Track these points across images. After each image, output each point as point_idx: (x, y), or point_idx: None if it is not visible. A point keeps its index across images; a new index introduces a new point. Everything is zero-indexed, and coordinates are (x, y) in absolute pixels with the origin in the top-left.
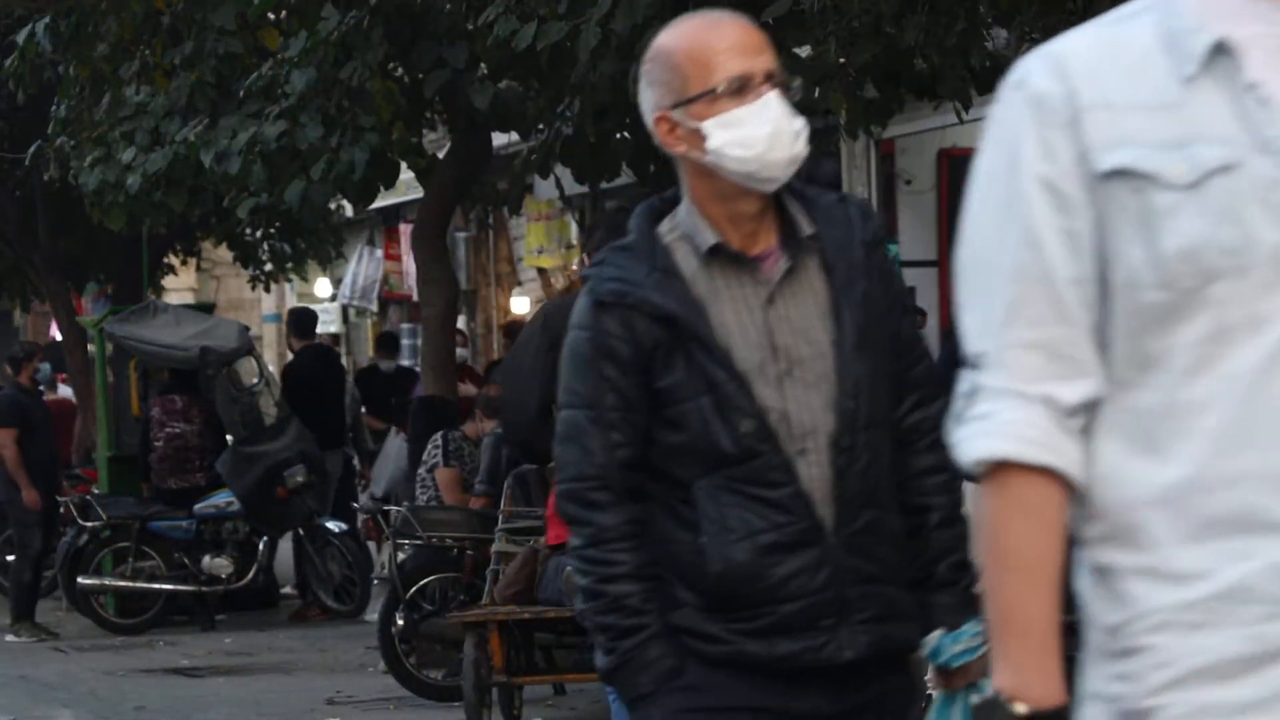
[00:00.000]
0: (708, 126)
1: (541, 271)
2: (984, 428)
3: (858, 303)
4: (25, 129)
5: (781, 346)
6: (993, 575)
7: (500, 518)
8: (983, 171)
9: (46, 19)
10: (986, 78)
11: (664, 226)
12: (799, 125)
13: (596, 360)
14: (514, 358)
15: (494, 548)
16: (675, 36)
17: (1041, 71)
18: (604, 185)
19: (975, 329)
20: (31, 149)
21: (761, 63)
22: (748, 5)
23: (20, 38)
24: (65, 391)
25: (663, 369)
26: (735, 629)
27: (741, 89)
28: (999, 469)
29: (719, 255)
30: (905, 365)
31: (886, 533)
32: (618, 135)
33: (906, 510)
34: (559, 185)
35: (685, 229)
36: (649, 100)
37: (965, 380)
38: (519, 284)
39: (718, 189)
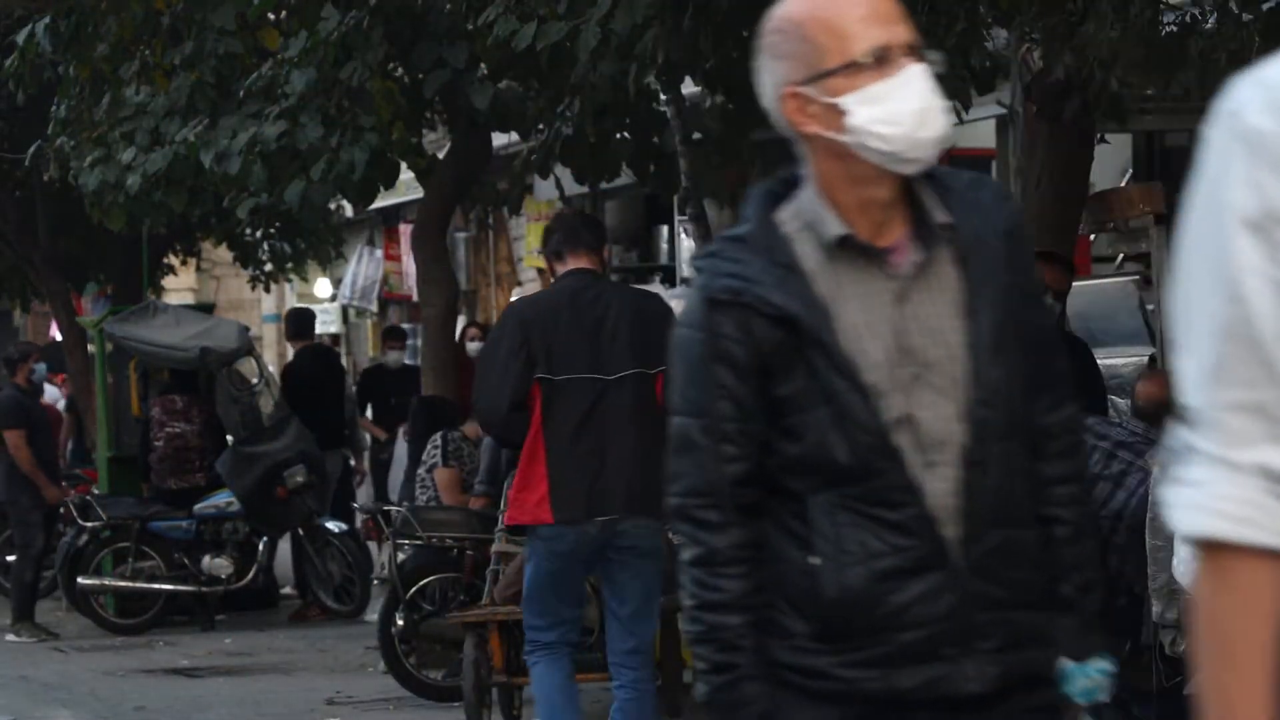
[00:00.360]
0: (848, 102)
1: (541, 272)
2: (1196, 499)
3: (995, 300)
4: (25, 129)
5: (912, 349)
6: (1204, 658)
7: (500, 518)
8: (1193, 203)
9: (46, 19)
10: (986, 78)
11: (784, 214)
12: (943, 102)
13: (709, 364)
14: (487, 353)
15: (494, 548)
16: (803, 4)
17: (1256, 104)
18: (604, 185)
19: (1188, 380)
20: (31, 149)
21: (901, 32)
22: (748, 5)
23: (20, 38)
24: (50, 396)
25: (782, 375)
26: (847, 660)
27: (883, 60)
28: (1213, 547)
29: (846, 247)
30: (1040, 362)
31: (1019, 552)
32: (618, 135)
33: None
34: (559, 185)
35: (808, 217)
36: (774, 75)
37: (1179, 435)
38: (519, 284)
39: (852, 172)
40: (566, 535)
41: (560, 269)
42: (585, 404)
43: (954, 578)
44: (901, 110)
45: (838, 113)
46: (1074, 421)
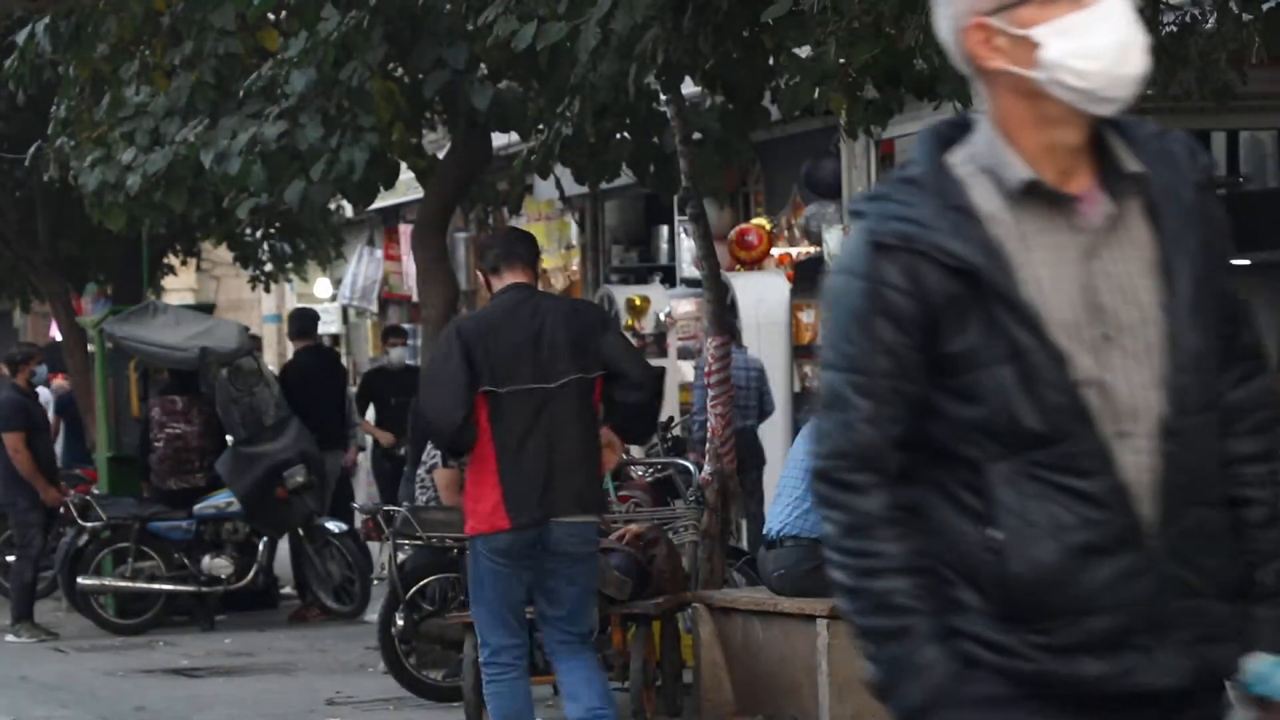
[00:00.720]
0: (1041, 34)
1: (542, 272)
2: None
3: (1190, 258)
4: (25, 129)
5: (1102, 308)
6: None
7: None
8: None
9: (46, 19)
10: None
11: (956, 157)
12: (1146, 37)
13: (870, 316)
14: (433, 369)
15: None
16: None
17: None
18: (604, 185)
19: None
20: (31, 149)
21: None
22: (748, 5)
23: (20, 38)
24: (41, 397)
25: (954, 329)
26: (1031, 642)
27: None
28: None
29: (1031, 195)
30: (1231, 331)
31: (1214, 535)
32: (618, 135)
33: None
34: (559, 185)
35: (987, 161)
36: (956, 4)
37: None
38: None
39: (1040, 112)
40: (503, 535)
41: (497, 284)
42: (530, 412)
43: (1150, 559)
44: (1101, 44)
45: (1029, 45)
46: (1266, 395)
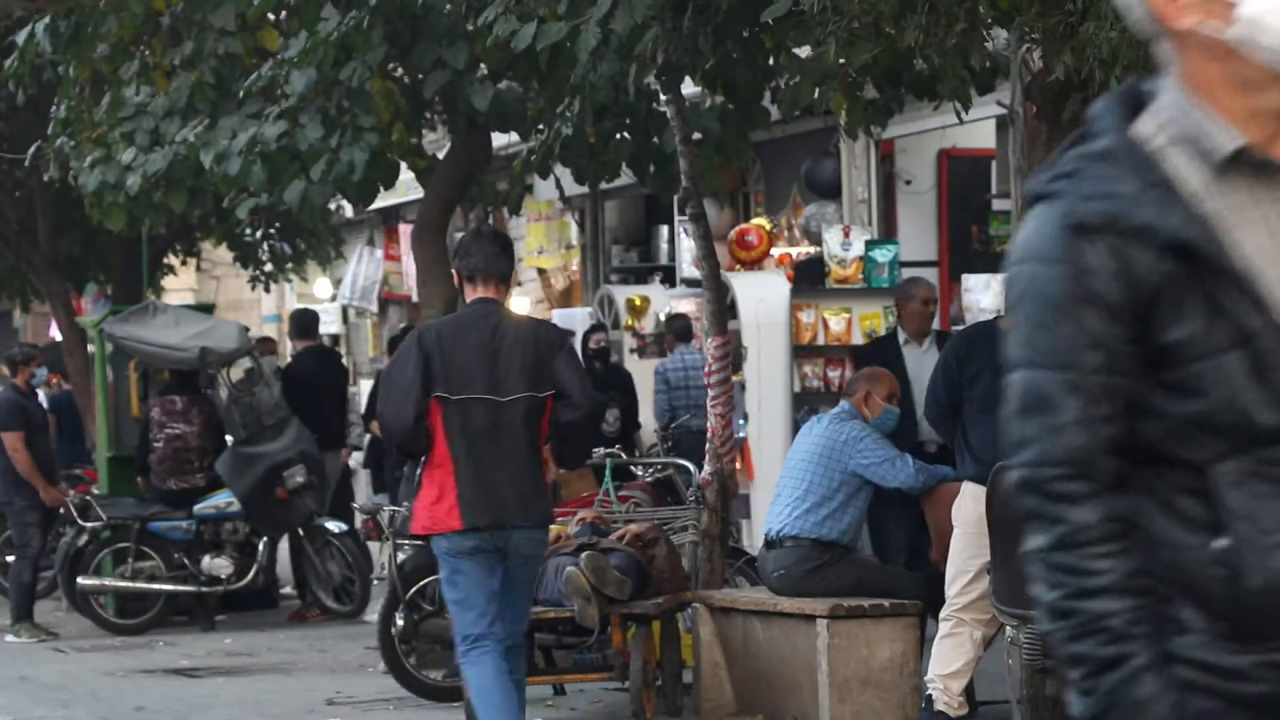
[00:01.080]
0: None
1: (541, 272)
2: None
3: None
4: (25, 129)
5: None
6: None
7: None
8: None
9: (46, 19)
10: (986, 78)
11: (1145, 127)
12: None
13: (1073, 306)
14: (391, 371)
15: None
16: None
17: None
18: (604, 185)
19: None
20: (31, 149)
21: None
22: (748, 5)
23: (20, 38)
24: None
25: (1170, 316)
26: (1261, 662)
27: None
28: None
29: (1238, 163)
30: None
31: None
32: (618, 135)
33: None
34: (559, 185)
35: (1183, 129)
36: None
37: None
38: (519, 284)
39: (1240, 75)
40: (457, 535)
41: (470, 293)
42: (480, 421)
43: None
44: None
45: (1223, 2)
46: None
